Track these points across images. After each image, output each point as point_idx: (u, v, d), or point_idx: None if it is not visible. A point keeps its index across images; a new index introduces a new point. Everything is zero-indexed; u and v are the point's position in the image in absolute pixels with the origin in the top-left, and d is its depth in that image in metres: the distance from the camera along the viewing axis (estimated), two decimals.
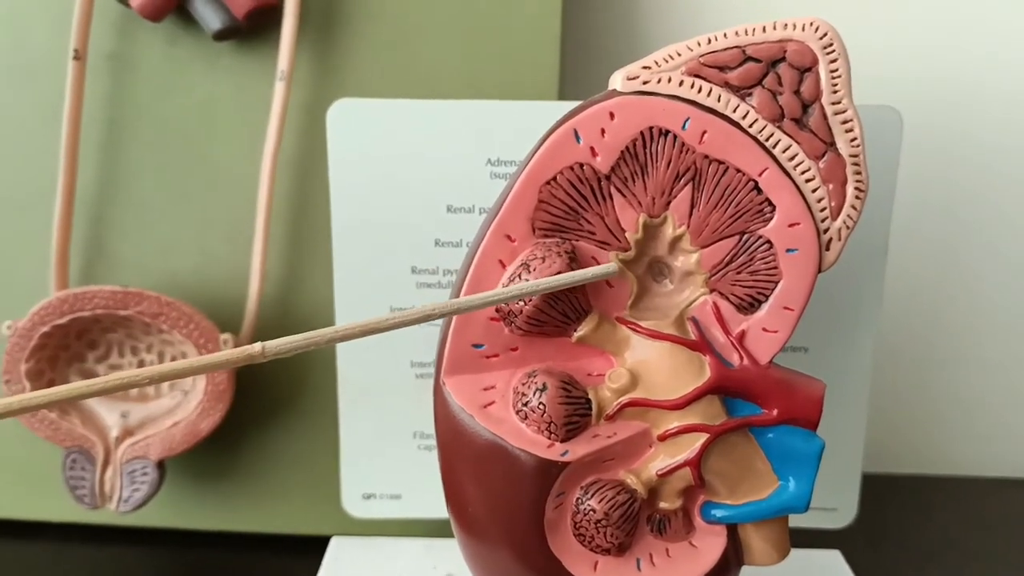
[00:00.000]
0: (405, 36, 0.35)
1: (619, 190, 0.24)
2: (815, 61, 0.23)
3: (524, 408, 0.23)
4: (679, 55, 0.23)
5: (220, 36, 0.35)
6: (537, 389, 0.23)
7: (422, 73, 0.35)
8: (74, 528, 0.38)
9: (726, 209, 0.23)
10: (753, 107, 0.23)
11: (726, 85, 0.23)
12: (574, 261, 0.23)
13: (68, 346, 0.35)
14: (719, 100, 0.23)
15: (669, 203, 0.24)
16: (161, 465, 0.34)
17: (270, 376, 0.37)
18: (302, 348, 0.18)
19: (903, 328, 0.46)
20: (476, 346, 0.24)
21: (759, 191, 0.23)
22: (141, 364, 0.36)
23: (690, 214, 0.24)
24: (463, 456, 0.24)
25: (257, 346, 0.18)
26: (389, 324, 0.20)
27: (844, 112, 0.23)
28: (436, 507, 0.34)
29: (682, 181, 0.23)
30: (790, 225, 0.23)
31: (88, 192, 0.36)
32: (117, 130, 0.36)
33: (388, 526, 0.35)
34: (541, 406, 0.23)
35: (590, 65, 0.43)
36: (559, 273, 0.23)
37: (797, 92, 0.23)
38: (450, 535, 0.26)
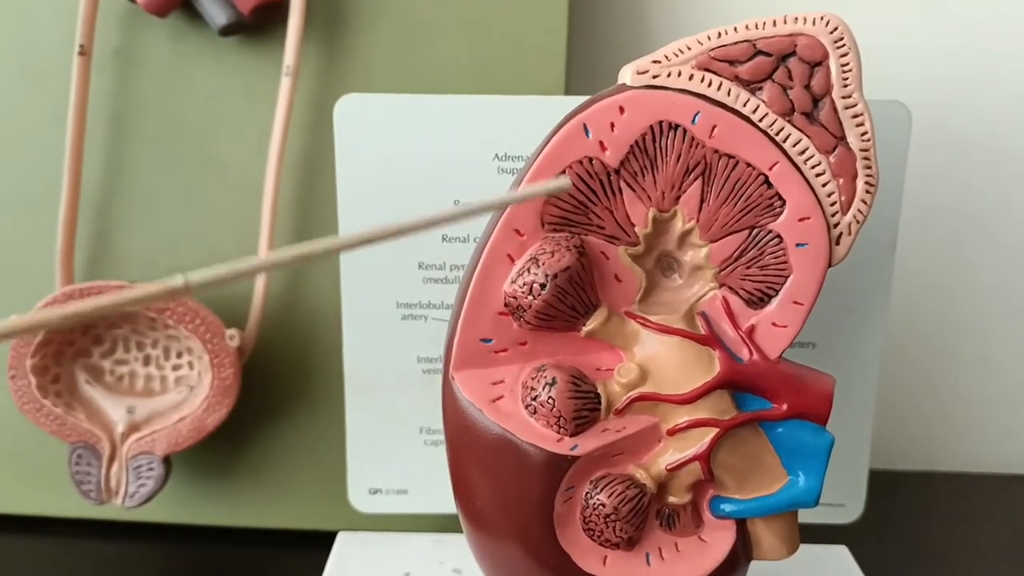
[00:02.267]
0: (412, 31, 0.35)
1: (628, 184, 0.23)
2: (825, 55, 0.23)
3: (533, 402, 0.23)
4: (689, 49, 0.23)
5: (226, 32, 0.35)
6: (546, 383, 0.23)
7: (429, 68, 0.35)
8: (80, 523, 0.38)
9: (736, 203, 0.23)
10: (763, 101, 0.23)
11: (736, 79, 0.23)
12: (583, 255, 0.23)
13: (73, 341, 0.35)
14: (729, 94, 0.23)
15: (679, 197, 0.24)
16: (167, 460, 0.34)
17: (277, 371, 0.37)
18: (228, 279, 0.16)
19: (911, 325, 0.46)
20: (485, 340, 0.24)
21: (769, 185, 0.23)
22: (147, 360, 0.36)
23: (700, 208, 0.24)
24: (472, 450, 0.24)
25: (178, 278, 0.16)
26: (339, 245, 0.17)
27: (854, 106, 0.23)
28: (443, 502, 0.34)
29: (692, 175, 0.23)
30: (800, 219, 0.23)
31: (94, 187, 0.36)
32: (123, 126, 0.36)
33: (395, 521, 0.35)
34: (550, 400, 0.23)
35: (597, 60, 0.43)
36: (568, 268, 0.23)
37: (807, 86, 0.23)
38: (457, 530, 0.26)
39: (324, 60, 0.35)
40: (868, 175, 0.23)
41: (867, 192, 0.23)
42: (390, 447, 0.33)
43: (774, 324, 0.24)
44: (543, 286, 0.23)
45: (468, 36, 0.35)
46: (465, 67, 0.35)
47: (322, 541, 0.35)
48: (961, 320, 0.46)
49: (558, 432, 0.23)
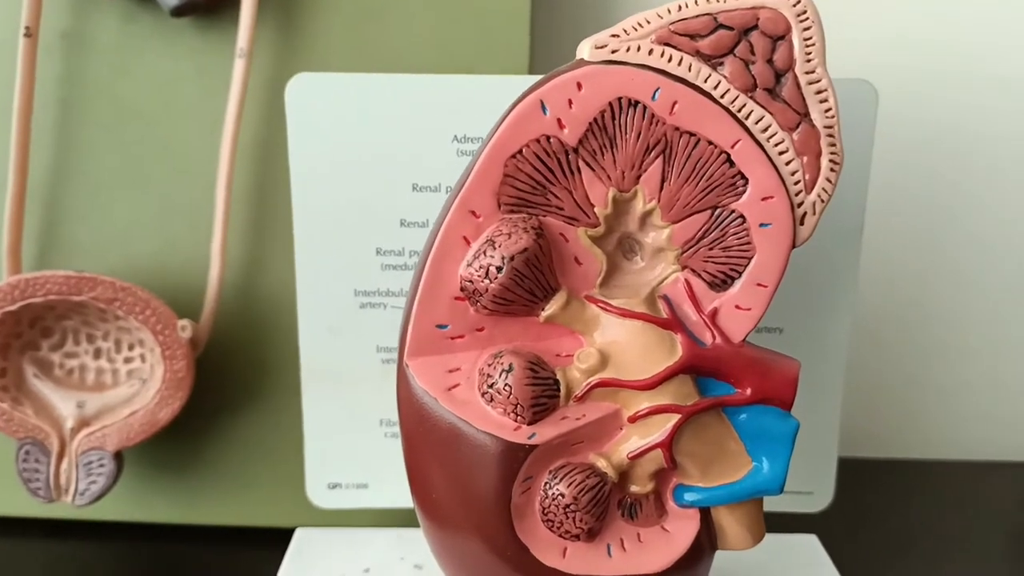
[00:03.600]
0: (370, 10, 0.34)
1: (587, 163, 0.23)
2: (788, 29, 0.22)
3: (490, 390, 0.22)
4: (648, 23, 0.23)
5: (178, 12, 0.33)
6: (503, 370, 0.22)
7: (388, 48, 0.34)
8: (29, 522, 0.37)
9: (698, 183, 0.23)
10: (725, 77, 0.22)
11: (697, 54, 0.22)
12: (541, 237, 0.22)
13: (20, 334, 0.34)
14: (690, 69, 0.22)
15: (639, 177, 0.23)
16: (119, 456, 0.33)
17: (231, 363, 0.36)
18: None
19: (882, 312, 0.45)
20: (440, 326, 0.23)
21: (731, 164, 0.22)
22: (98, 352, 0.34)
23: (661, 188, 0.23)
24: (427, 441, 0.23)
25: None
26: None
27: (818, 82, 0.23)
28: (404, 496, 0.33)
29: (652, 154, 0.23)
30: (763, 199, 0.22)
31: (42, 174, 0.35)
32: (72, 110, 0.35)
33: (355, 516, 0.34)
34: (507, 388, 0.22)
35: (562, 39, 0.42)
36: (525, 250, 0.22)
37: (770, 61, 0.22)
38: (419, 525, 0.25)
39: (279, 41, 0.34)
40: (832, 153, 0.23)
41: (832, 170, 0.23)
42: (349, 440, 0.33)
43: (737, 307, 0.23)
44: (500, 269, 0.22)
45: (429, 14, 0.34)
46: (426, 47, 0.34)
47: (280, 538, 0.34)
48: (932, 307, 0.46)
49: (516, 420, 0.22)
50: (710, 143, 0.22)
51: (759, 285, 0.23)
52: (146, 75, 0.35)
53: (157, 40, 0.35)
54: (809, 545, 0.33)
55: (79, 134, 0.35)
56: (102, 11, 0.34)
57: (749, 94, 0.22)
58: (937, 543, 0.38)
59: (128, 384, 0.34)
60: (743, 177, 0.22)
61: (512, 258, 0.22)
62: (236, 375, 0.36)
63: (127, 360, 0.34)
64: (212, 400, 0.36)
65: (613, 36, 0.23)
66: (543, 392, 0.22)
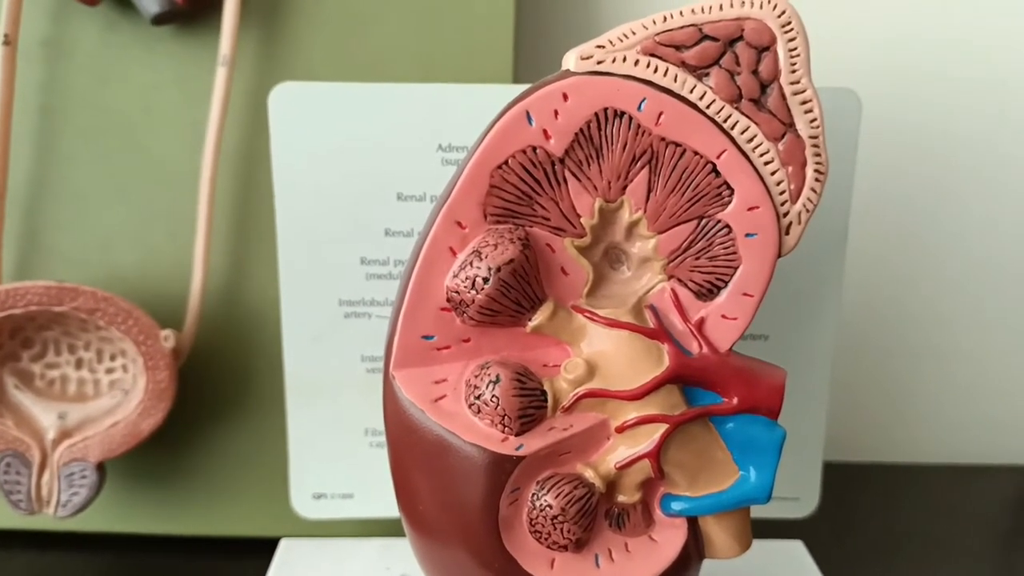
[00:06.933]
0: (354, 18, 0.34)
1: (574, 174, 0.23)
2: (773, 40, 0.22)
3: (477, 401, 0.22)
4: (634, 34, 0.23)
5: (159, 20, 0.33)
6: (490, 381, 0.22)
7: (372, 56, 0.34)
8: (10, 534, 0.36)
9: (684, 193, 0.23)
10: (710, 87, 0.22)
11: (682, 65, 0.23)
12: (528, 248, 0.22)
13: (1, 345, 0.33)
14: (675, 80, 0.22)
15: (625, 187, 0.23)
16: (101, 467, 0.33)
17: (214, 373, 0.35)
18: None
19: (866, 317, 0.46)
20: (426, 337, 0.23)
21: (717, 174, 0.23)
22: (79, 363, 0.34)
23: (647, 198, 0.23)
24: (414, 452, 0.23)
25: None
26: None
27: (803, 92, 0.23)
28: (389, 506, 0.33)
29: (638, 164, 0.23)
30: (749, 209, 0.23)
31: (21, 184, 0.35)
32: (52, 119, 0.35)
33: (340, 527, 0.34)
34: (494, 399, 0.22)
35: (546, 47, 0.42)
36: (512, 261, 0.22)
37: (755, 72, 0.23)
38: (405, 535, 0.25)
39: (262, 49, 0.34)
40: (817, 163, 0.23)
41: (817, 180, 0.23)
42: (334, 450, 0.32)
43: (724, 316, 0.23)
44: (486, 280, 0.22)
45: (413, 23, 0.34)
46: (410, 55, 0.34)
47: (264, 548, 0.34)
48: (917, 311, 0.46)
49: (503, 431, 0.22)
50: (696, 154, 0.22)
51: (745, 295, 0.23)
52: (127, 83, 0.34)
53: (138, 48, 0.34)
54: (795, 551, 0.33)
55: (59, 143, 0.35)
56: (82, 19, 0.34)
57: (735, 105, 0.22)
58: (923, 547, 0.38)
59: (110, 395, 0.34)
60: (729, 187, 0.23)
61: (499, 269, 0.22)
62: (219, 385, 0.36)
63: (109, 370, 0.34)
64: (195, 410, 0.36)
65: (599, 47, 0.23)
66: (530, 403, 0.22)
